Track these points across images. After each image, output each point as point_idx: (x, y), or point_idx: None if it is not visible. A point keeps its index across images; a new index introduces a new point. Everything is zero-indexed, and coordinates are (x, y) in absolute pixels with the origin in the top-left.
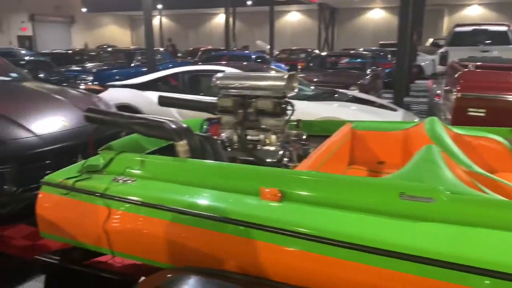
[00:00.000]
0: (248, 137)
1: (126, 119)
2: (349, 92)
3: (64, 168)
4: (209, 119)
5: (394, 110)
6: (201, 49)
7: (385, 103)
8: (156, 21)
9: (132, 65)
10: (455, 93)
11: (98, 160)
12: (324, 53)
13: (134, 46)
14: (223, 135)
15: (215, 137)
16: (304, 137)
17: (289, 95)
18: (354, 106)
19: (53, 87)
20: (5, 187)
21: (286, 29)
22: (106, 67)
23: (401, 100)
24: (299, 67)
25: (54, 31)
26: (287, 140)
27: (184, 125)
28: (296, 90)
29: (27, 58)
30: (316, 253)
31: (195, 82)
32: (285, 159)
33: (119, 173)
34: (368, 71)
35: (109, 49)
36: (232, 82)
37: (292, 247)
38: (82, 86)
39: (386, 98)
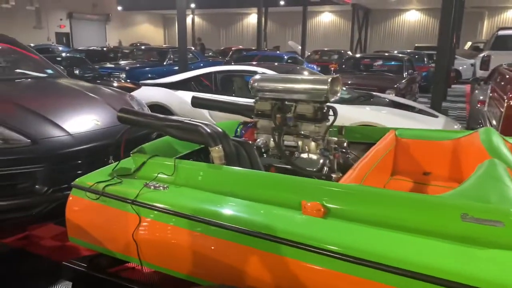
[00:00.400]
0: (286, 143)
1: (160, 121)
2: (386, 96)
3: (95, 171)
4: (244, 123)
5: (435, 116)
6: (232, 48)
7: (424, 109)
8: (188, 20)
9: (165, 63)
10: (507, 100)
11: (129, 163)
12: (358, 55)
13: (166, 45)
14: (259, 140)
15: (250, 142)
16: (345, 144)
17: (332, 99)
18: (392, 111)
19: (87, 85)
20: (36, 186)
21: (318, 30)
22: (139, 65)
23: (439, 105)
24: (331, 68)
25: (90, 29)
26: (327, 148)
27: (220, 130)
28: (339, 94)
29: (63, 54)
30: (362, 278)
31: (227, 83)
32: (325, 168)
33: (151, 178)
34: (405, 75)
35: (143, 47)
36: (271, 84)
37: (337, 270)
38: (115, 84)
39: (422, 103)
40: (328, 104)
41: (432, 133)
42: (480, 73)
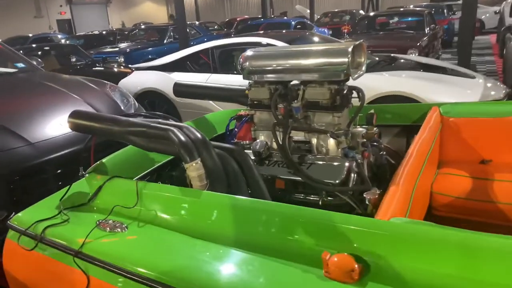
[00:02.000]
0: (294, 141)
1: (120, 126)
2: (410, 57)
3: (39, 202)
4: (238, 117)
5: (471, 77)
6: (237, 19)
7: (457, 68)
8: None
9: (165, 42)
10: None
11: (84, 187)
12: (371, 13)
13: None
14: (257, 142)
15: (246, 142)
16: (377, 136)
17: (355, 77)
18: (423, 76)
19: (64, 78)
20: None
21: None
22: (139, 46)
23: (468, 61)
24: (344, 31)
25: (92, 13)
26: (352, 145)
27: (199, 135)
28: (364, 68)
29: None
30: None
31: (228, 58)
32: (352, 177)
33: (108, 210)
34: (427, 30)
35: (142, 26)
36: (267, 62)
37: None
38: (116, 69)
39: (446, 59)
40: (349, 84)
41: (489, 106)
42: (510, 21)
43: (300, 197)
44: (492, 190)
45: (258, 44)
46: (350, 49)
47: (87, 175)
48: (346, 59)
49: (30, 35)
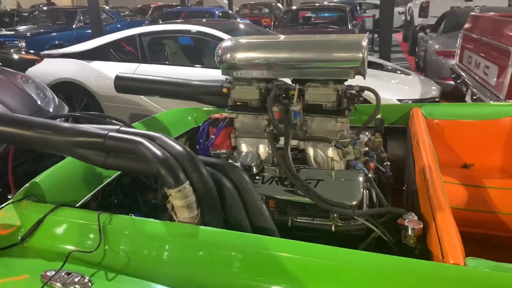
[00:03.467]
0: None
1: (61, 135)
2: None
3: None
4: (212, 121)
5: (408, 74)
6: (151, 6)
7: (395, 66)
8: None
9: (74, 26)
10: None
11: (11, 218)
12: (294, 7)
13: (75, 5)
14: (247, 154)
15: (223, 151)
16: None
17: (365, 75)
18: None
19: None
20: None
21: None
22: (42, 30)
23: (388, 59)
24: (263, 23)
25: None
26: (358, 156)
27: (181, 148)
28: (366, 67)
29: None
30: None
31: (157, 47)
32: (364, 193)
33: (54, 253)
34: (350, 26)
35: (45, 8)
36: (258, 55)
37: None
38: (16, 56)
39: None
40: (359, 85)
41: (471, 108)
42: (419, 21)
43: (304, 220)
44: (487, 199)
45: (188, 32)
46: (364, 43)
47: (13, 202)
48: (360, 54)
49: None
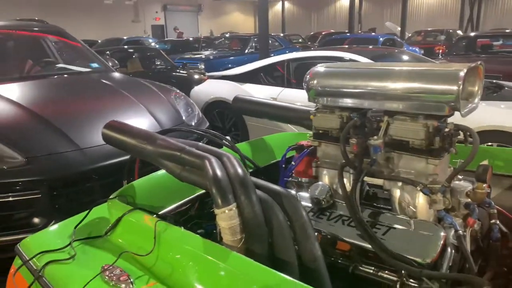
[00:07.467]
0: (368, 185)
1: (152, 146)
2: None
3: (55, 225)
4: (299, 148)
5: None
6: (323, 33)
7: None
8: (279, 6)
9: (246, 52)
10: None
11: (105, 213)
12: (472, 34)
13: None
14: (319, 186)
15: (306, 180)
16: (484, 195)
17: (464, 111)
18: None
19: (133, 82)
20: (34, 220)
21: (421, 8)
22: (220, 55)
23: None
24: (438, 51)
25: (183, 20)
26: (453, 206)
27: (239, 170)
28: (477, 101)
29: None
30: None
31: (304, 73)
32: (449, 254)
33: (121, 251)
34: None
35: (227, 35)
36: (343, 82)
37: None
38: (196, 76)
39: None
40: (455, 123)
41: None
42: None
43: (369, 270)
44: None
45: (339, 59)
46: (462, 74)
47: (111, 199)
48: (455, 87)
49: (125, 37)
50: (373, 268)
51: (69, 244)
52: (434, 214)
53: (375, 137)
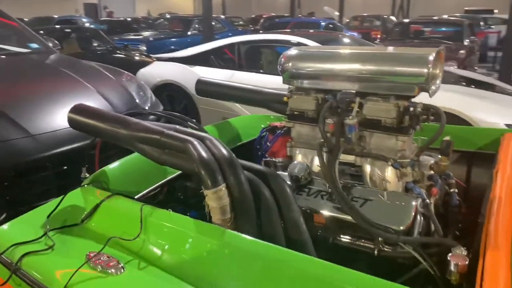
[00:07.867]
0: (342, 166)
1: (127, 130)
2: (452, 70)
3: (24, 215)
4: (272, 129)
5: None
6: (263, 16)
7: (506, 86)
8: None
9: (189, 33)
10: None
11: (79, 200)
12: (406, 20)
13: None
14: (296, 164)
15: (279, 160)
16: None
17: (431, 92)
18: (471, 92)
19: (80, 64)
20: None
21: None
22: (162, 36)
23: (509, 79)
24: (373, 36)
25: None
26: (419, 179)
27: (225, 151)
28: (439, 83)
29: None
30: None
31: (254, 56)
32: (419, 221)
33: (105, 236)
34: (466, 42)
35: (168, 16)
36: (318, 65)
37: None
38: (137, 58)
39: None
40: (423, 102)
41: None
42: None
43: (347, 240)
44: None
45: (288, 43)
46: (431, 57)
47: (85, 186)
48: (425, 70)
49: (56, 16)
50: (351, 238)
51: (45, 234)
52: (402, 186)
53: (350, 116)
